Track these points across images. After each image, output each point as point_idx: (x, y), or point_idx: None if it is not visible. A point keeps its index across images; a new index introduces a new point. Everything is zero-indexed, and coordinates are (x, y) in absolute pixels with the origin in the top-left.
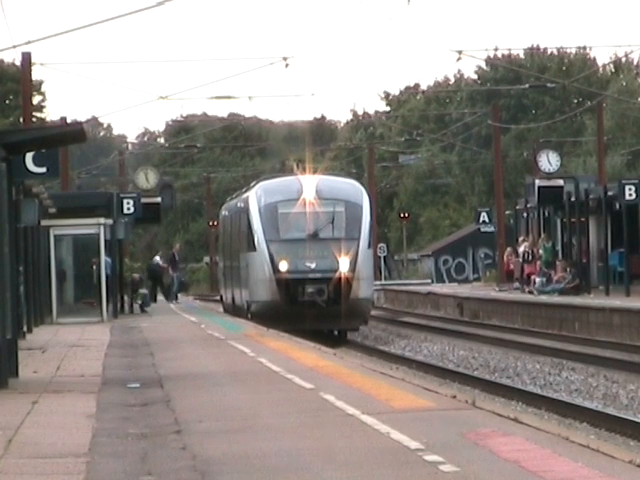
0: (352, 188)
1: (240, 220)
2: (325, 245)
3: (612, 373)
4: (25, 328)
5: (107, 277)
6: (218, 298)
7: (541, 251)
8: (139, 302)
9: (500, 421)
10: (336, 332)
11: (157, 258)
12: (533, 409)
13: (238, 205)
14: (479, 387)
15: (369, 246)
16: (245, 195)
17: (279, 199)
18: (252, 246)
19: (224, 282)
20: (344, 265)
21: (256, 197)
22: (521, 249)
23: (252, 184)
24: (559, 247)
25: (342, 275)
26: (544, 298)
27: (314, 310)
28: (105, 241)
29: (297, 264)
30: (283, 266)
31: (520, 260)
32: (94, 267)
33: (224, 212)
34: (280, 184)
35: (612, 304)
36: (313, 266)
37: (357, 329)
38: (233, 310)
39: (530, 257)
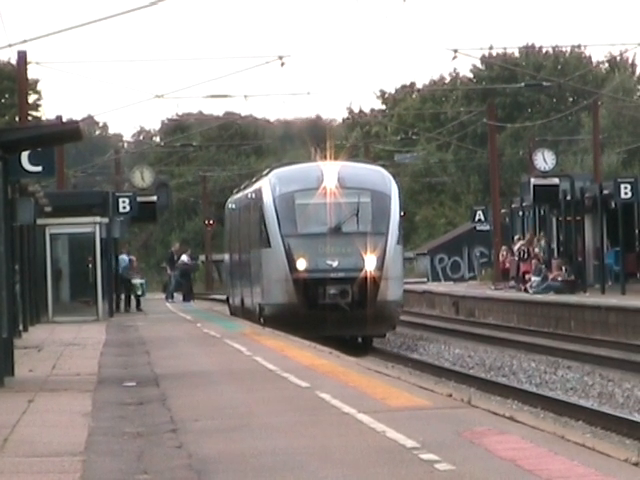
0: (379, 176)
1: (251, 213)
2: (349, 240)
3: (608, 372)
4: (21, 327)
5: (121, 276)
6: (223, 299)
7: (537, 249)
8: (139, 293)
9: (496, 420)
10: (360, 339)
11: (184, 257)
12: (529, 408)
13: (249, 196)
14: (475, 386)
15: (398, 242)
16: (257, 185)
17: (296, 188)
18: (266, 242)
19: (231, 282)
20: (370, 263)
21: (270, 186)
22: (516, 247)
23: (265, 172)
24: (554, 246)
25: (368, 274)
26: (540, 297)
27: (336, 314)
28: (101, 240)
29: (317, 262)
30: (301, 264)
31: (516, 258)
32: (89, 265)
33: (231, 205)
34: (297, 171)
35: (608, 302)
36: (335, 264)
37: (384, 336)
38: (242, 313)
39: (525, 255)
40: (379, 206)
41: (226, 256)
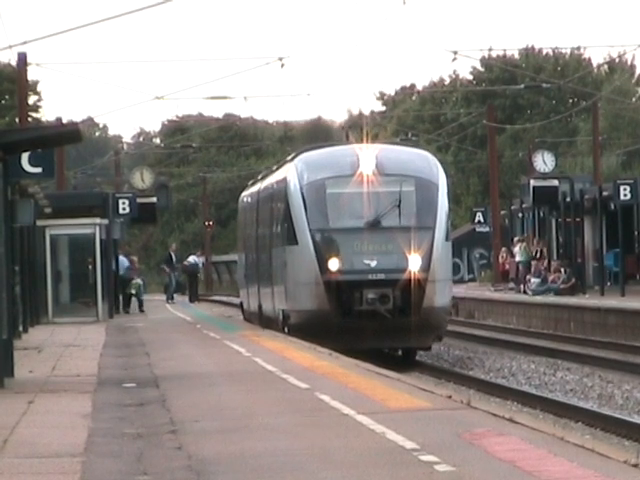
0: (424, 161)
1: (273, 205)
2: (389, 236)
3: (607, 373)
4: (21, 328)
5: (121, 277)
6: (224, 300)
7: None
8: (133, 292)
9: (495, 421)
10: (400, 352)
11: (194, 257)
12: (528, 409)
13: (270, 186)
14: (474, 387)
15: (447, 237)
16: (280, 172)
17: (327, 175)
18: (292, 238)
19: (246, 285)
20: (415, 263)
21: (296, 173)
22: (516, 249)
23: (289, 157)
24: (554, 247)
25: (412, 276)
26: (539, 298)
27: (375, 323)
28: (101, 241)
29: (352, 262)
30: (333, 264)
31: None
32: (90, 267)
33: (246, 198)
34: (328, 156)
35: (607, 304)
36: (374, 264)
37: (429, 348)
38: (260, 320)
39: (539, 254)
40: (424, 196)
41: (240, 255)
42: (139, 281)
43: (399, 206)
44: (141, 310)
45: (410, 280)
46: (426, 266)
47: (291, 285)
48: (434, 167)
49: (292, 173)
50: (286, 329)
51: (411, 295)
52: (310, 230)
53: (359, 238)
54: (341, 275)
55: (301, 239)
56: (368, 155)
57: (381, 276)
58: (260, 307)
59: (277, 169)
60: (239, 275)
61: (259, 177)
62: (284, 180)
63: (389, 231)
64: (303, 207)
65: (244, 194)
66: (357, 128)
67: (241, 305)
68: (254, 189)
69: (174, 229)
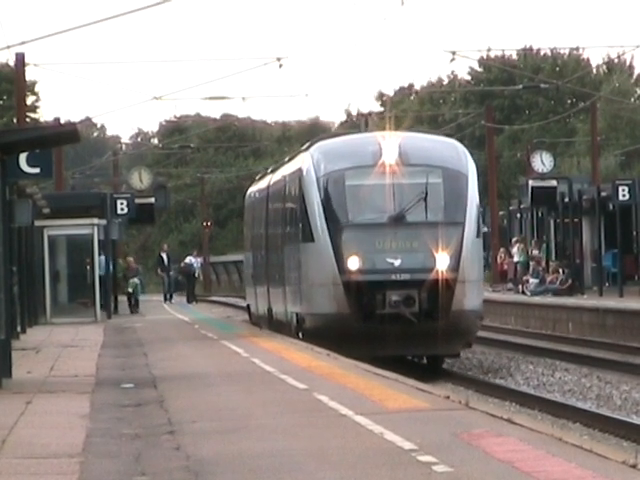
0: (452, 150)
1: (286, 199)
2: (415, 233)
3: (605, 374)
4: (19, 328)
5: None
6: (222, 301)
7: (535, 252)
8: (129, 290)
9: (493, 421)
10: (425, 359)
11: (191, 258)
12: (527, 410)
13: (282, 179)
14: (473, 388)
15: (478, 234)
16: (293, 163)
17: (347, 166)
18: (307, 235)
19: (254, 285)
20: (443, 262)
21: (313, 163)
22: (514, 249)
23: (304, 146)
24: (552, 248)
25: (440, 276)
26: (537, 299)
27: (399, 328)
28: (99, 241)
29: (374, 260)
30: (353, 263)
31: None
32: (88, 267)
33: (254, 194)
34: (348, 144)
35: (605, 305)
36: (398, 263)
37: (458, 355)
38: (269, 324)
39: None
40: (453, 188)
41: (247, 254)
42: (136, 280)
43: (425, 199)
44: (137, 310)
45: (438, 281)
46: (455, 265)
47: (306, 286)
48: (463, 156)
49: (307, 163)
50: (300, 334)
51: (439, 297)
52: (328, 226)
53: (381, 234)
54: (362, 275)
55: (318, 236)
56: (391, 144)
57: (406, 276)
58: (270, 310)
59: (290, 160)
60: (246, 275)
61: (269, 170)
62: (298, 171)
63: (414, 227)
64: (320, 201)
65: (251, 189)
66: (354, 128)
67: (247, 308)
68: (263, 183)
69: (172, 230)
